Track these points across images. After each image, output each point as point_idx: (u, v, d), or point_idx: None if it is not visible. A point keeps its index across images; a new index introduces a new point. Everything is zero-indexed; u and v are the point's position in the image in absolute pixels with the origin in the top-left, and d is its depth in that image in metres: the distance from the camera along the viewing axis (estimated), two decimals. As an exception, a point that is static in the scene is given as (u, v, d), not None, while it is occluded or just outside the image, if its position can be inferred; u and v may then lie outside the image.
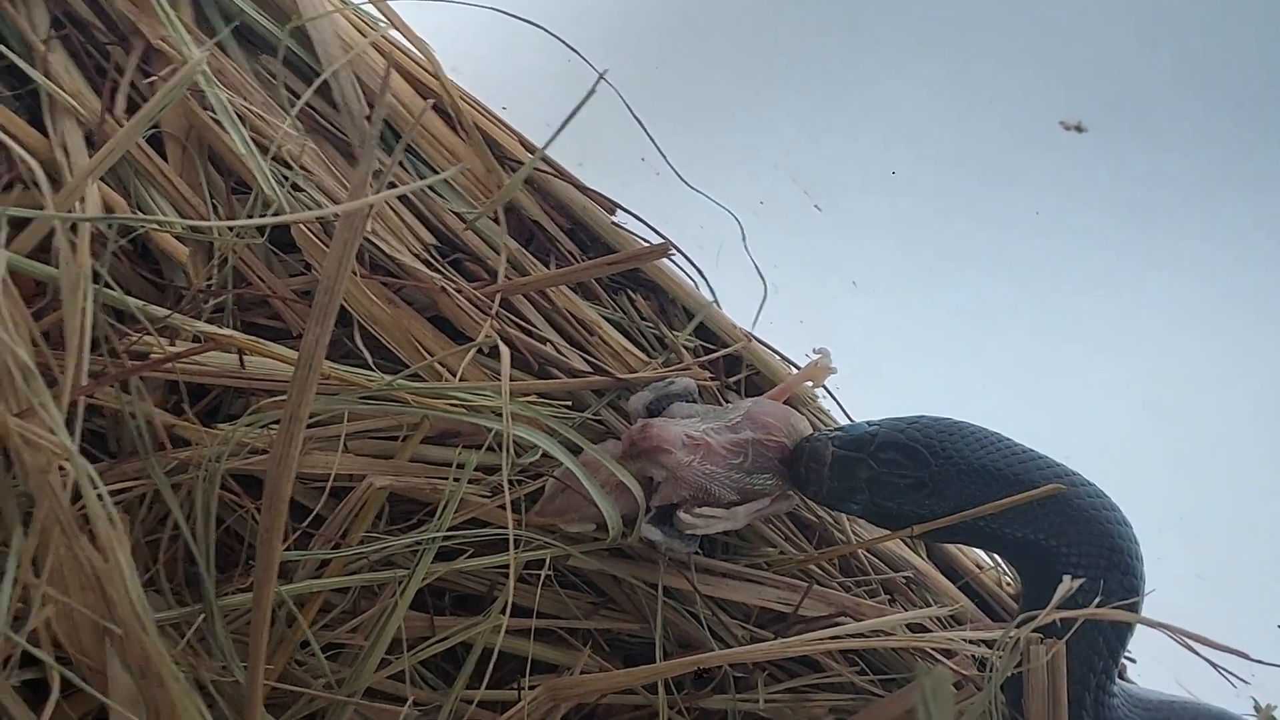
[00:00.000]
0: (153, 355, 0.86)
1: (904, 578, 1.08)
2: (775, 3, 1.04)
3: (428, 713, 0.91)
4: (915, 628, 1.01)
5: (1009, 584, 1.14)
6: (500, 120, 1.10)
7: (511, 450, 0.88)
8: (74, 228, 0.79)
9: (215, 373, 0.89)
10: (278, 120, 0.98)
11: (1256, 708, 0.83)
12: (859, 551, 1.06)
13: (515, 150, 1.07)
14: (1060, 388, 1.07)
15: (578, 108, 0.96)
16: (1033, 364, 1.08)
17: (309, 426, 0.85)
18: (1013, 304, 1.06)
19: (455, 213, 1.02)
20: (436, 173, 1.03)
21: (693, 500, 0.91)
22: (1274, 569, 1.00)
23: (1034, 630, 0.84)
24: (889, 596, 1.06)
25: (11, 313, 0.74)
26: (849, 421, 1.12)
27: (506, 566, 0.88)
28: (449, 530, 0.89)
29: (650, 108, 1.01)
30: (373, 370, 0.92)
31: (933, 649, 0.96)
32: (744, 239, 1.06)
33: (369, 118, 1.01)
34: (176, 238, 0.93)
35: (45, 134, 0.93)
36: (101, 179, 0.91)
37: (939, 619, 1.04)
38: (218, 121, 0.96)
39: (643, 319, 1.08)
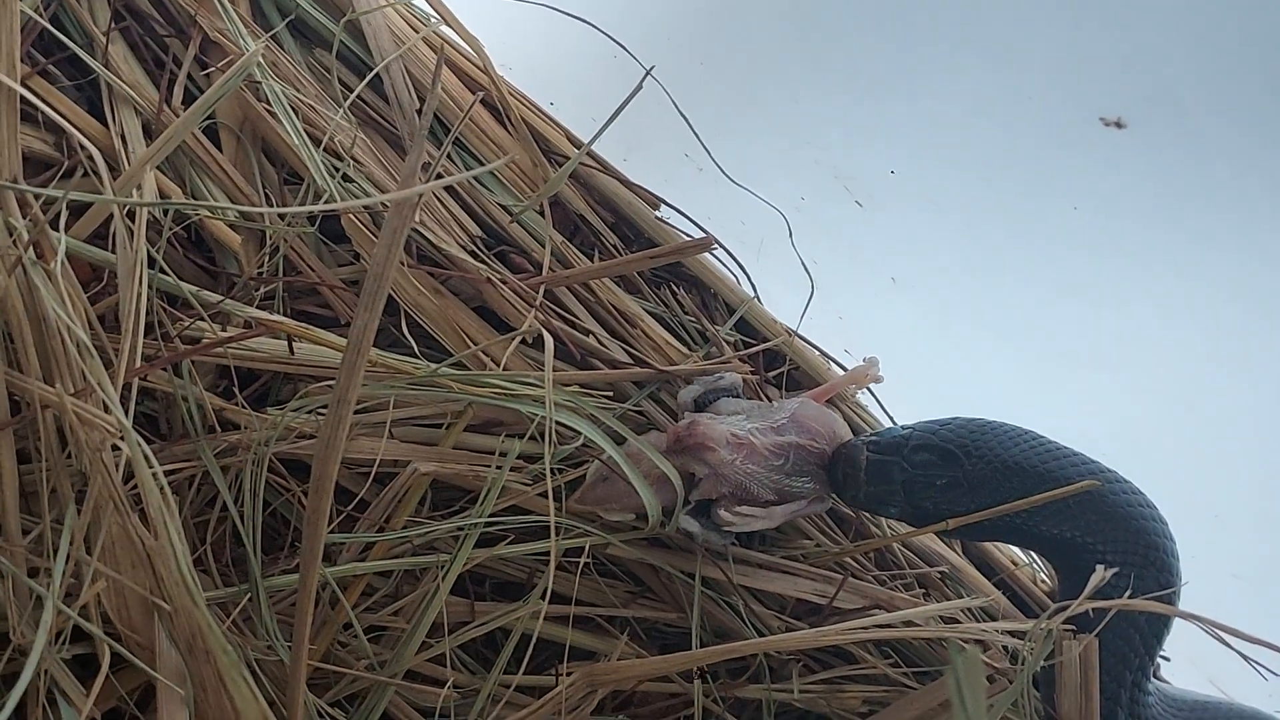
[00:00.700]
0: (205, 340, 0.88)
1: (939, 572, 1.08)
2: (818, 0, 1.05)
3: (466, 696, 0.92)
4: (948, 620, 1.01)
5: (1044, 581, 1.14)
6: (547, 115, 1.11)
7: (554, 439, 0.89)
8: (131, 214, 0.81)
9: (265, 358, 0.91)
10: (330, 112, 1.00)
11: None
12: (894, 546, 1.07)
13: (561, 145, 1.09)
14: (1096, 384, 1.07)
15: (624, 104, 0.97)
16: (1069, 360, 1.07)
17: (355, 412, 0.87)
18: (1050, 300, 1.06)
19: (501, 205, 1.04)
20: (484, 165, 1.04)
21: (731, 497, 0.92)
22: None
23: (1066, 622, 0.85)
24: (924, 591, 1.07)
25: (69, 295, 0.76)
26: (886, 417, 1.12)
27: (546, 553, 0.89)
28: (490, 517, 0.91)
29: (694, 104, 1.02)
30: (418, 358, 0.94)
31: (965, 640, 0.96)
32: (790, 235, 1.06)
33: (419, 111, 1.02)
34: (229, 226, 0.95)
35: (105, 123, 0.95)
36: (158, 168, 0.93)
37: (971, 611, 1.05)
38: (272, 113, 0.97)
39: (684, 313, 1.08)
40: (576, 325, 1.02)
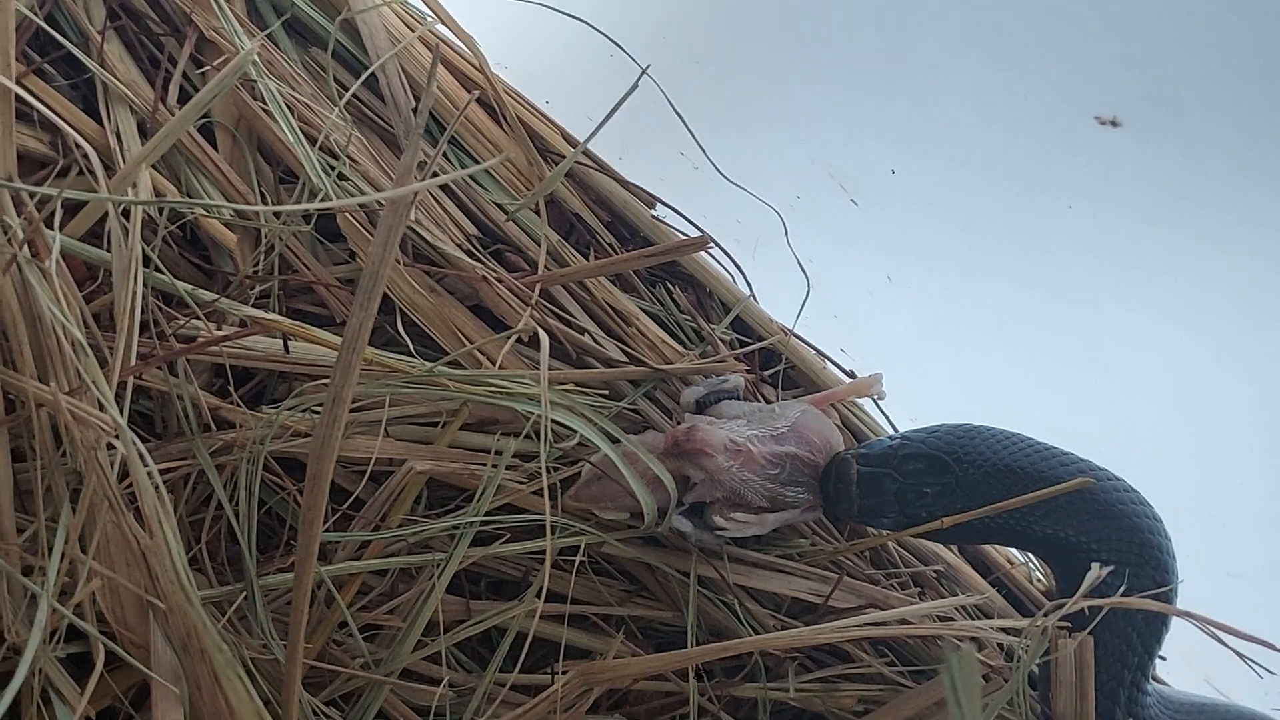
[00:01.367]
0: (200, 338, 0.88)
1: (934, 571, 1.08)
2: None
3: (462, 694, 0.92)
4: (943, 619, 1.01)
5: (1040, 580, 1.14)
6: (543, 114, 1.11)
7: (549, 437, 0.90)
8: (126, 213, 0.80)
9: (260, 357, 0.91)
10: (325, 111, 1.00)
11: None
12: (889, 545, 1.07)
13: (557, 143, 1.09)
14: (1091, 383, 1.07)
15: (620, 102, 0.97)
16: (1064, 358, 1.07)
17: (351, 411, 0.87)
18: (1045, 299, 1.06)
19: (497, 204, 1.04)
20: (480, 164, 1.04)
21: (725, 501, 0.92)
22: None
23: (1062, 620, 0.85)
24: (919, 590, 1.07)
25: (64, 293, 0.76)
26: (882, 417, 1.13)
27: (542, 552, 0.89)
28: (486, 515, 0.91)
29: (689, 103, 1.02)
30: (414, 357, 0.94)
31: (960, 638, 0.96)
32: (786, 234, 1.06)
33: (415, 109, 1.03)
34: (224, 224, 0.95)
35: (100, 122, 0.95)
36: (153, 167, 0.93)
37: (967, 609, 1.05)
38: (267, 112, 0.98)
39: (680, 311, 1.09)
40: (572, 324, 1.02)
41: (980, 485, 0.91)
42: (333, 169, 0.97)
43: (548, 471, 0.89)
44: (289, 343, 0.91)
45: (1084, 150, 0.94)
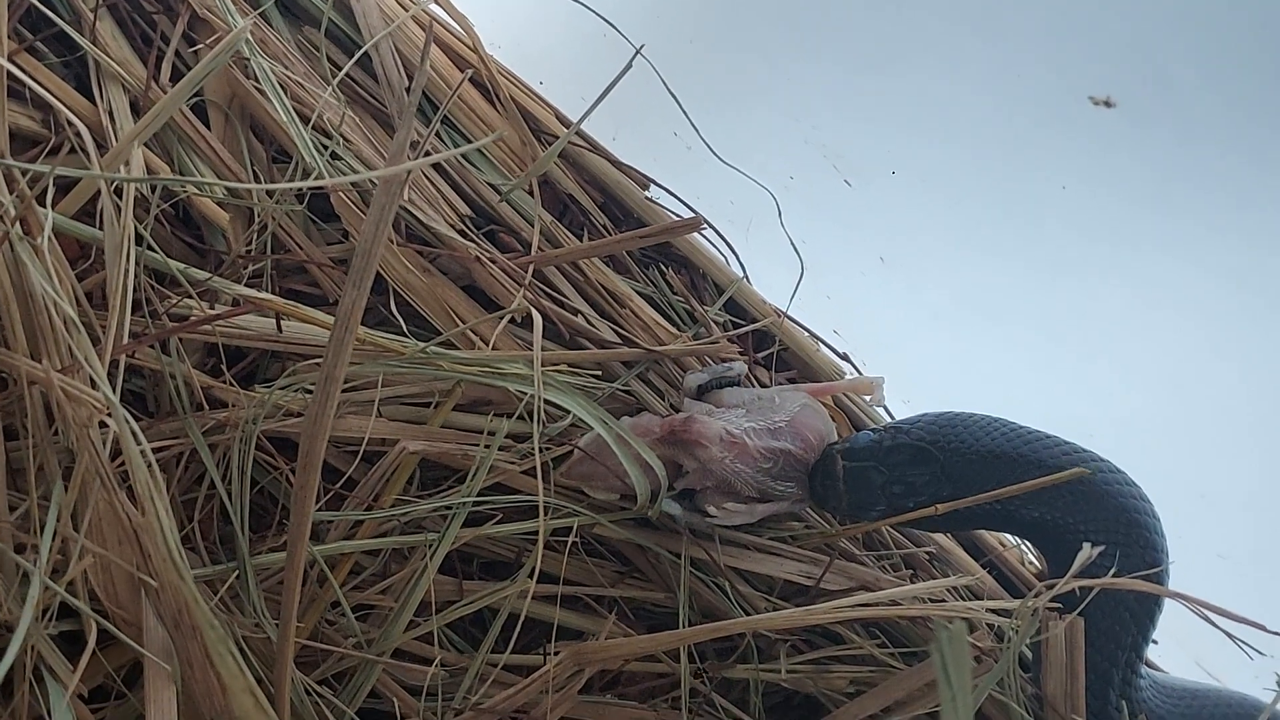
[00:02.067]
0: (192, 317, 0.88)
1: (926, 553, 1.08)
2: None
3: (454, 674, 0.92)
4: (934, 600, 1.01)
5: (1032, 563, 1.15)
6: (536, 94, 1.11)
7: (542, 418, 0.90)
8: (118, 191, 0.80)
9: (253, 336, 0.91)
10: (319, 90, 1.00)
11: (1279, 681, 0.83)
12: (882, 528, 1.07)
13: (551, 124, 1.09)
14: (1084, 364, 1.07)
15: (613, 82, 0.97)
16: (1056, 340, 1.07)
17: (344, 391, 0.87)
18: (1038, 280, 1.06)
19: (490, 185, 1.04)
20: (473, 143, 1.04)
21: (715, 490, 0.93)
22: (1296, 547, 1.00)
23: (1053, 601, 0.85)
24: (911, 571, 1.07)
25: (57, 271, 0.75)
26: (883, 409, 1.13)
27: (534, 533, 0.89)
28: (479, 496, 0.91)
29: (683, 83, 1.02)
30: (407, 337, 0.94)
31: (950, 619, 0.96)
32: (780, 215, 1.06)
33: (408, 89, 1.02)
34: (217, 203, 0.95)
35: (92, 100, 0.94)
36: (146, 145, 0.93)
37: (958, 591, 1.05)
38: (260, 90, 0.97)
39: (673, 293, 1.09)
40: (565, 305, 1.02)
41: (967, 472, 0.91)
42: (326, 148, 0.97)
43: (540, 452, 0.89)
44: (282, 322, 0.91)
45: (1078, 131, 0.94)
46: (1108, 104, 0.91)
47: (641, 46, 0.97)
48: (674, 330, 1.06)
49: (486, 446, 0.91)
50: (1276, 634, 0.81)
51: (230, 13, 0.97)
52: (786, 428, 0.94)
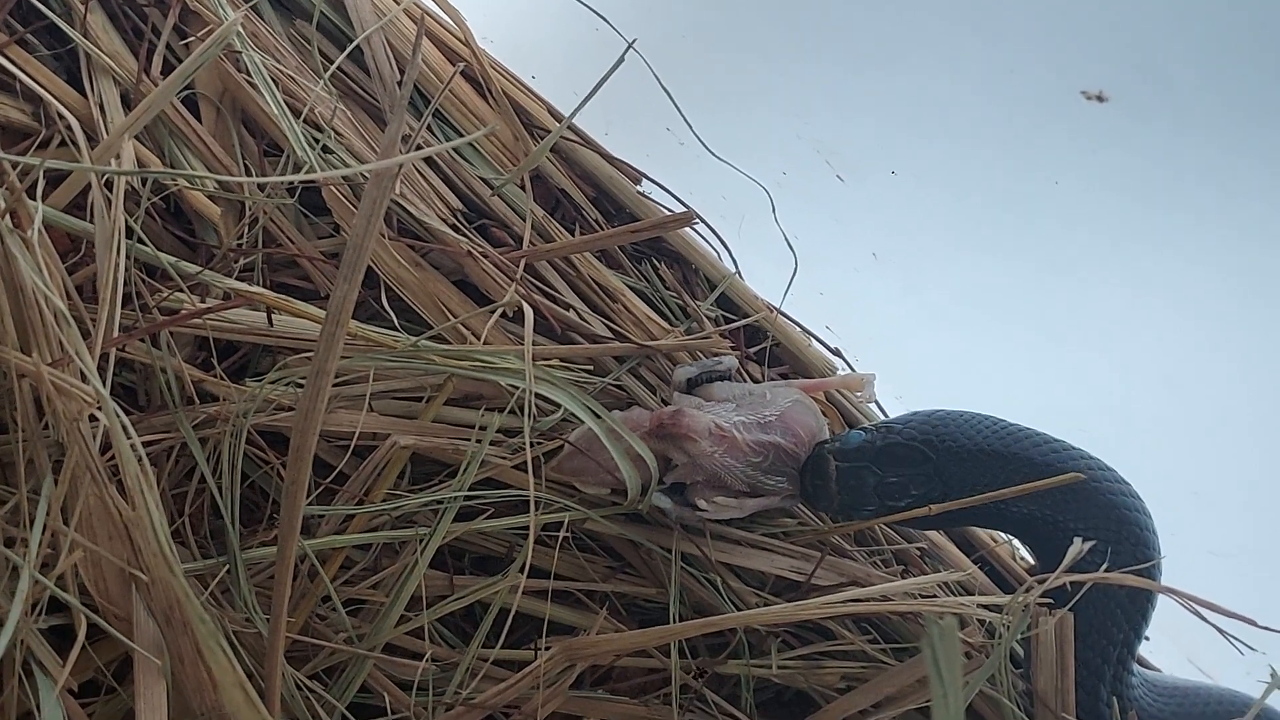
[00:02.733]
0: (183, 311, 0.87)
1: (917, 549, 1.08)
2: (801, -26, 1.05)
3: (445, 669, 0.92)
4: (925, 596, 1.01)
5: (1024, 559, 1.15)
6: (529, 88, 1.11)
7: (534, 412, 0.89)
8: (109, 184, 0.80)
9: (244, 330, 0.91)
10: (310, 84, 1.00)
11: (1274, 674, 0.83)
12: (874, 524, 1.07)
13: (543, 118, 1.08)
14: (1077, 360, 1.07)
15: (606, 76, 0.97)
16: (1050, 335, 1.07)
17: (335, 385, 0.87)
18: (1031, 276, 1.06)
19: (483, 179, 1.04)
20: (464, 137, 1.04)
21: (705, 484, 0.92)
22: (1288, 545, 1.00)
23: (1044, 595, 0.85)
24: (903, 567, 1.07)
25: (47, 264, 0.75)
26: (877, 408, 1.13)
27: (525, 528, 0.89)
28: (470, 491, 0.91)
29: (675, 78, 1.02)
30: (399, 331, 0.94)
31: (942, 614, 0.96)
32: (774, 210, 1.06)
33: (400, 83, 1.02)
34: (208, 197, 0.95)
35: (83, 93, 0.94)
36: (137, 139, 0.92)
37: (949, 586, 1.05)
38: (251, 84, 0.97)
39: (665, 288, 1.09)
40: (557, 300, 1.02)
41: (959, 471, 0.91)
42: (317, 142, 0.96)
43: (532, 447, 0.88)
44: (273, 316, 0.91)
45: (1071, 125, 0.94)
46: (1100, 99, 0.91)
47: (634, 41, 0.97)
48: (666, 325, 1.06)
49: (478, 441, 0.91)
50: (1268, 629, 0.81)
51: (222, 6, 0.97)
52: (776, 422, 0.94)
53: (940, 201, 1.06)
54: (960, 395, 0.97)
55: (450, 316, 0.97)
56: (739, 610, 0.97)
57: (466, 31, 1.06)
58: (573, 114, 1.01)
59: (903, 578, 1.05)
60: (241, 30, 0.97)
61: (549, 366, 0.94)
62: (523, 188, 1.04)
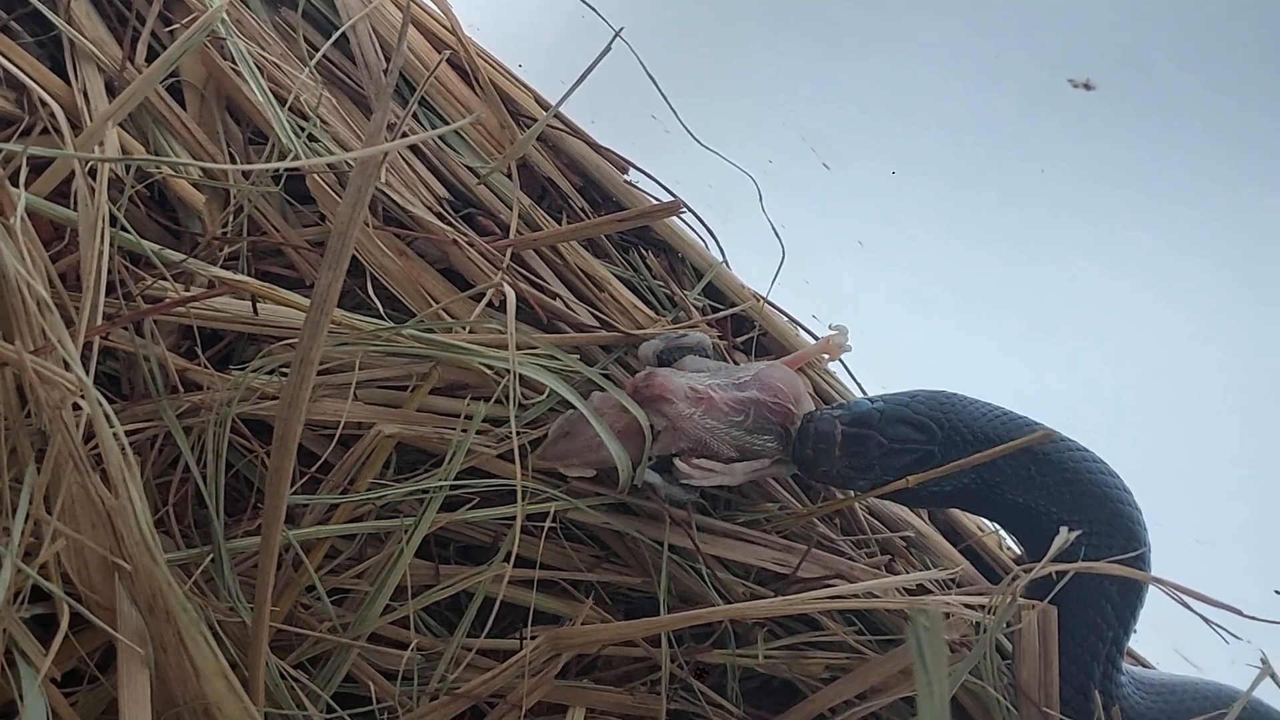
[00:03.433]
0: (167, 299, 0.87)
1: (903, 539, 1.08)
2: (787, -36, 1.04)
3: (430, 658, 0.92)
4: (913, 590, 1.01)
5: (1010, 549, 1.15)
6: (515, 77, 1.10)
7: (518, 400, 0.89)
8: (93, 171, 0.80)
9: (228, 318, 0.90)
10: (295, 71, 0.99)
11: (1264, 661, 0.83)
12: (859, 513, 1.07)
13: (529, 107, 1.08)
14: (1064, 348, 1.07)
15: (592, 65, 0.97)
16: (1036, 323, 1.07)
17: (319, 374, 0.86)
18: (1017, 263, 1.06)
19: (469, 167, 1.03)
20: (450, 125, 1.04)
21: (691, 452, 0.92)
22: (1274, 533, 1.00)
23: (1029, 585, 0.85)
24: (889, 556, 1.07)
25: (30, 251, 0.75)
26: (853, 382, 1.13)
27: (511, 517, 0.89)
28: (455, 480, 0.90)
29: (662, 66, 1.02)
30: (384, 320, 0.93)
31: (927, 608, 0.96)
32: (760, 199, 1.06)
33: (386, 71, 1.02)
34: (193, 184, 0.94)
35: (67, 80, 0.94)
36: (121, 126, 0.92)
37: (937, 581, 1.05)
38: (237, 71, 0.97)
39: (652, 277, 1.08)
40: (543, 288, 1.02)
41: (962, 452, 0.91)
42: (302, 130, 0.96)
43: (517, 435, 0.88)
44: (257, 304, 0.91)
45: (1057, 113, 0.94)
46: (1087, 86, 0.91)
47: (620, 30, 0.97)
48: (652, 314, 1.05)
49: (463, 430, 0.91)
50: (1253, 619, 0.82)
51: (206, -8, 0.97)
52: (752, 380, 0.93)
53: (925, 189, 1.06)
54: (948, 384, 0.97)
55: (434, 304, 0.96)
56: (725, 599, 0.97)
57: (453, 19, 1.06)
58: (559, 102, 1.01)
59: (888, 569, 1.05)
60: (226, 17, 0.97)
61: (534, 354, 0.94)
62: (509, 176, 1.04)
